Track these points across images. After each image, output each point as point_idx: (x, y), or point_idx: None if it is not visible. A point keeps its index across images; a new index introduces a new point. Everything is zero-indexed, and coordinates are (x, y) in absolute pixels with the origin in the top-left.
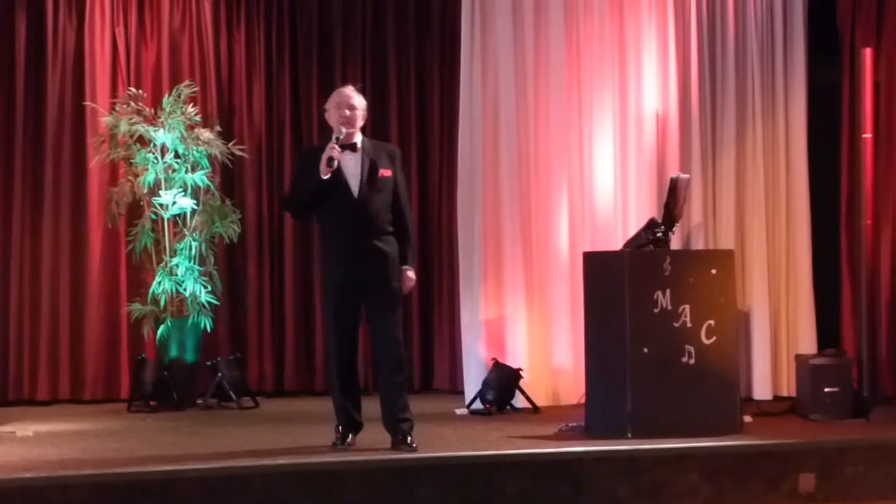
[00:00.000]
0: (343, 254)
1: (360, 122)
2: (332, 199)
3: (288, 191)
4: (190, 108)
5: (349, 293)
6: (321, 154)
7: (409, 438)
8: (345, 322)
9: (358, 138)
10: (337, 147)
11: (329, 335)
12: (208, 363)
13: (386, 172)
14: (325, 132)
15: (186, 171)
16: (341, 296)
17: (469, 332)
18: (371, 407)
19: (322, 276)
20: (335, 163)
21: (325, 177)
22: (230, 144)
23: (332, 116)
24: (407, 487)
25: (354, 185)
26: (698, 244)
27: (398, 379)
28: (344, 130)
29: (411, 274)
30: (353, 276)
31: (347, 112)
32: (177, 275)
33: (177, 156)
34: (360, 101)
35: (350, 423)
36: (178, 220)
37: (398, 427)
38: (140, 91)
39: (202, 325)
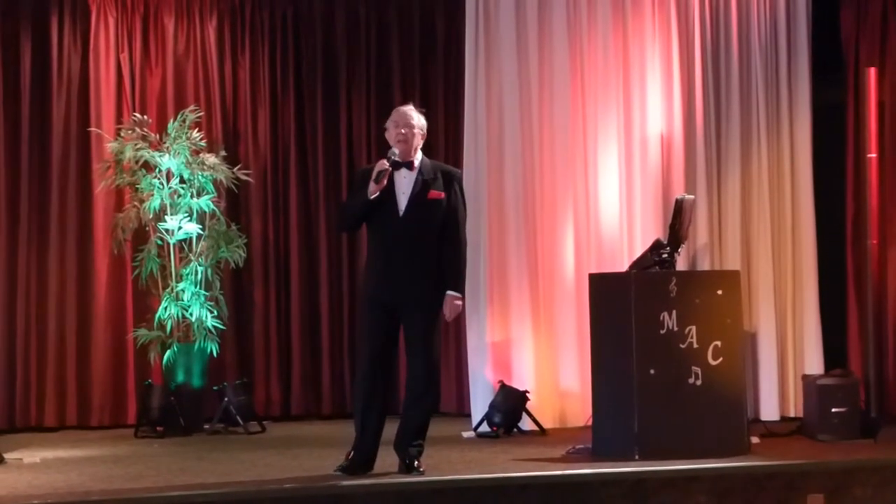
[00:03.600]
0: (381, 270)
1: (417, 142)
2: (379, 214)
3: (340, 205)
4: (195, 134)
5: (383, 310)
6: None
7: (416, 463)
8: (376, 337)
9: (418, 157)
10: (387, 162)
11: (362, 347)
12: (215, 388)
13: (437, 194)
14: (329, 155)
15: (192, 197)
16: (375, 310)
17: (476, 355)
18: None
19: (363, 288)
20: (384, 176)
21: (373, 196)
22: (235, 169)
23: (390, 135)
24: None
25: (402, 203)
26: (704, 265)
27: (421, 403)
28: (398, 151)
29: (455, 300)
30: (387, 293)
31: (404, 130)
32: (183, 300)
33: (182, 181)
34: (418, 121)
35: (362, 449)
36: (184, 245)
37: (408, 451)
38: (145, 116)
39: (209, 350)
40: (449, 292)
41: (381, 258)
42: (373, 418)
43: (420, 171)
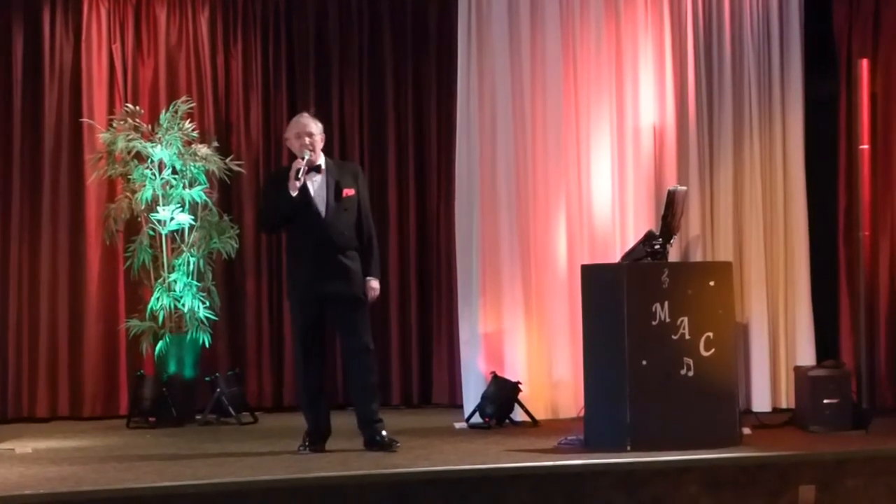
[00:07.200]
0: (310, 270)
1: (319, 146)
2: (301, 218)
3: (259, 210)
4: (187, 124)
5: (315, 307)
6: (286, 177)
7: (385, 436)
8: (311, 333)
9: (321, 160)
10: (303, 161)
11: (297, 348)
12: (207, 379)
13: (350, 192)
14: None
15: (184, 187)
16: (307, 308)
17: (468, 346)
18: (342, 419)
19: (289, 290)
20: (301, 173)
21: (294, 193)
22: (227, 160)
23: (292, 145)
24: (406, 502)
25: (321, 204)
26: (696, 256)
27: (372, 382)
28: (308, 152)
29: (374, 284)
30: (319, 290)
31: (307, 140)
32: (175, 291)
33: (174, 172)
34: (317, 127)
35: (318, 432)
36: (176, 235)
37: (374, 427)
38: (137, 107)
39: (201, 341)
40: (367, 277)
41: (308, 260)
42: (321, 406)
43: (328, 172)
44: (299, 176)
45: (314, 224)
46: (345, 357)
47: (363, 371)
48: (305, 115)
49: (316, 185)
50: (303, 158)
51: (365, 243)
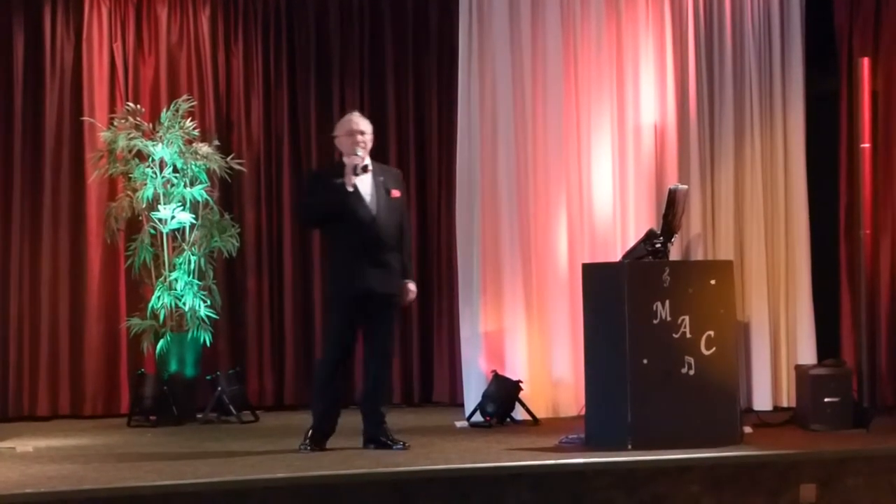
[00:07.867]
0: (359, 267)
1: (369, 145)
2: (350, 216)
3: (302, 202)
4: (188, 123)
5: (359, 305)
6: (333, 174)
7: (391, 437)
8: (350, 331)
9: (367, 160)
10: (359, 157)
11: (331, 343)
12: (208, 377)
13: (397, 193)
14: (322, 145)
15: (185, 186)
16: (352, 306)
17: (469, 345)
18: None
19: (334, 287)
20: (359, 169)
21: (351, 189)
22: (228, 159)
23: (343, 143)
24: (406, 500)
25: (372, 204)
26: (697, 255)
27: (385, 384)
28: (361, 152)
29: (412, 286)
30: (366, 288)
31: (360, 137)
32: (176, 289)
33: (175, 170)
34: (368, 126)
35: (322, 429)
36: (177, 234)
37: (381, 428)
38: (138, 106)
39: (202, 340)
40: (405, 280)
41: (357, 258)
42: (335, 408)
43: (375, 174)
44: (357, 172)
45: (365, 222)
46: (366, 356)
47: (380, 373)
48: (356, 113)
49: (366, 185)
50: (356, 155)
51: (404, 245)
